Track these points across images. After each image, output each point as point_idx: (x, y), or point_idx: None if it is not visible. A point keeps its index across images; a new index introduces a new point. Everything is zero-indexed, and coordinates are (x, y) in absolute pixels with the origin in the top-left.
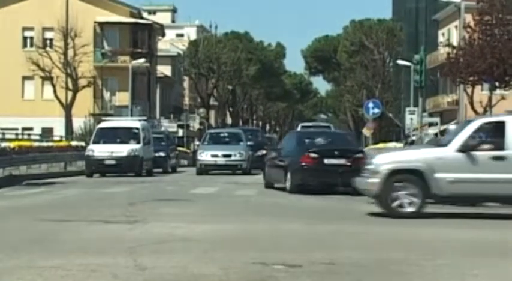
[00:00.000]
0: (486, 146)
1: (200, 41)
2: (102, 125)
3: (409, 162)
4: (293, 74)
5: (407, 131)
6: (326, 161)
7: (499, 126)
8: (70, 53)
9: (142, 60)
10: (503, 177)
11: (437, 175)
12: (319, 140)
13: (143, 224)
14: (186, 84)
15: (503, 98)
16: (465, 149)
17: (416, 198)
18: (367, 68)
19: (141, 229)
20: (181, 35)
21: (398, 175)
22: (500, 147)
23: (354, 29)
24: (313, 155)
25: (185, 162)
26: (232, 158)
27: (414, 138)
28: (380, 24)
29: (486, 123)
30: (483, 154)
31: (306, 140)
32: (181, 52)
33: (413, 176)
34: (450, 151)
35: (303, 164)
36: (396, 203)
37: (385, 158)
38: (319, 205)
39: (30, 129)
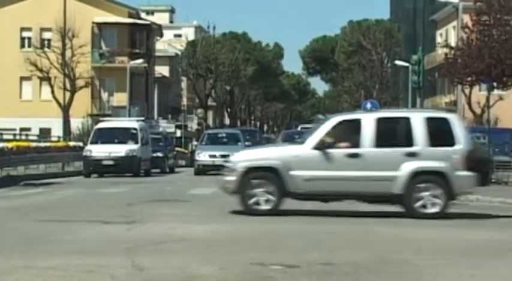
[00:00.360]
0: (342, 144)
1: (198, 42)
2: (100, 125)
3: (265, 160)
4: (291, 75)
5: None
6: None
7: (355, 124)
8: (68, 53)
9: (140, 60)
10: (358, 174)
11: (293, 173)
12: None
13: (141, 225)
14: (184, 84)
15: (501, 98)
16: (321, 147)
17: (272, 196)
18: (365, 68)
19: (139, 230)
20: (179, 36)
21: (255, 173)
22: (356, 145)
23: (351, 30)
24: None
25: (183, 162)
26: None
27: None
28: (378, 24)
29: (342, 121)
30: (339, 152)
31: (293, 140)
32: (179, 52)
33: (269, 174)
34: (306, 149)
35: None
36: (253, 200)
37: (242, 156)
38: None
39: (28, 129)
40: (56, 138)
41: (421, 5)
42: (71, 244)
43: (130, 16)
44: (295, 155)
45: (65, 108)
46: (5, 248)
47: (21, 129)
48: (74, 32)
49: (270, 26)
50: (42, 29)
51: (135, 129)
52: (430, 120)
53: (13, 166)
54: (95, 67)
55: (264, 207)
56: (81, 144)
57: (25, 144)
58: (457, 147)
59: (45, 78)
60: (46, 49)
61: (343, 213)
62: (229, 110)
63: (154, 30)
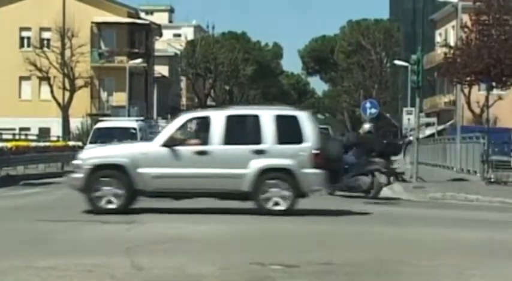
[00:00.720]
0: (191, 141)
1: (197, 41)
2: (99, 125)
3: (112, 157)
4: (290, 74)
5: (404, 131)
6: None
7: (205, 122)
8: (67, 53)
9: (139, 60)
10: (206, 172)
11: (141, 170)
12: None
13: (141, 225)
14: (183, 84)
15: (500, 98)
16: (170, 144)
17: (121, 191)
18: (364, 68)
19: (139, 230)
20: (179, 35)
21: (102, 170)
22: (205, 142)
23: (351, 29)
24: None
25: None
26: None
27: (411, 138)
28: (377, 24)
29: (192, 119)
30: (187, 149)
31: None
32: (178, 52)
33: (117, 172)
34: (155, 146)
35: None
36: (100, 198)
37: (91, 153)
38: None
39: (28, 129)
40: (55, 138)
41: (421, 4)
42: (70, 243)
43: (129, 16)
44: (144, 153)
45: (65, 108)
46: (4, 248)
47: (21, 129)
48: (73, 32)
49: (269, 25)
50: (42, 29)
51: (134, 129)
52: (279, 118)
53: (12, 165)
54: (94, 67)
55: (112, 206)
56: (80, 144)
57: (24, 144)
58: (304, 145)
59: (45, 78)
60: (45, 49)
61: (343, 213)
62: None
63: (154, 30)
